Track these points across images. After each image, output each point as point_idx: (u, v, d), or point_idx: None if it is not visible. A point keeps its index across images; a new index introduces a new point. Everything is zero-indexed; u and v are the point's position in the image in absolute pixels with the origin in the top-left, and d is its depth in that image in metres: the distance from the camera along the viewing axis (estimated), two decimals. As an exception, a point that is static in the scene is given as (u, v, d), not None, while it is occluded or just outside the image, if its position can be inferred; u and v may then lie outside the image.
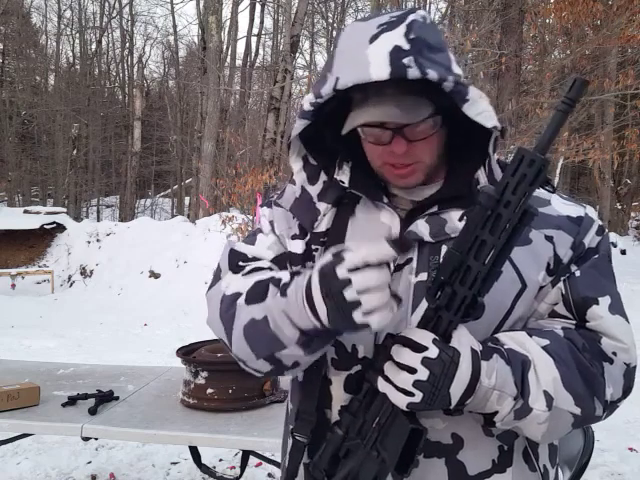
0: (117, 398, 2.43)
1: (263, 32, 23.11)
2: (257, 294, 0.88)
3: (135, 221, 12.16)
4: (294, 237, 1.00)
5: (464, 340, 0.80)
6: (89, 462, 3.30)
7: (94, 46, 25.38)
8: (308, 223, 0.99)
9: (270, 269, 0.98)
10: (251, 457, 2.34)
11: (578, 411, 0.83)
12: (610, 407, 0.87)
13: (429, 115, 0.85)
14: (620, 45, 9.43)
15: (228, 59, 19.64)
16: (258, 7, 21.09)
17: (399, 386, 0.77)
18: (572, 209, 0.93)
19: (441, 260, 0.88)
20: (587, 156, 7.77)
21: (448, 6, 12.25)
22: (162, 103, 26.15)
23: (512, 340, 0.85)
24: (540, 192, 0.86)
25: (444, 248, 0.88)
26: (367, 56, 0.82)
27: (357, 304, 0.74)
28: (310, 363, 0.90)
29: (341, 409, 0.89)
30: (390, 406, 0.80)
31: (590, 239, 0.91)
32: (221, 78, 14.71)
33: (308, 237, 0.99)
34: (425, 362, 0.76)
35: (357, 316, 0.74)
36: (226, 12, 19.29)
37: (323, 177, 0.99)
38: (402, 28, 0.83)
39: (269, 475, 3.15)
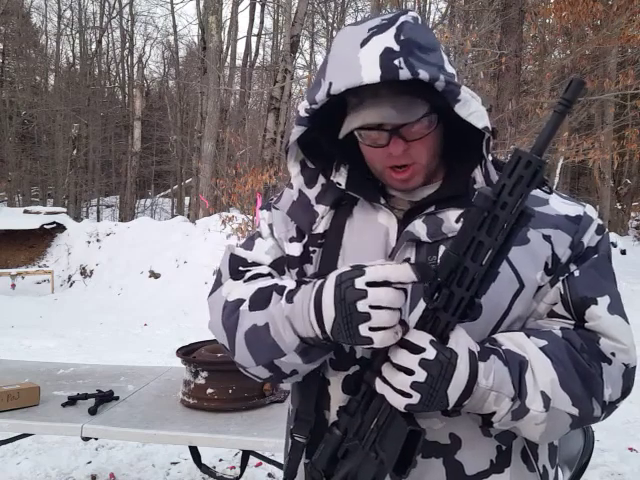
0: (117, 398, 2.43)
1: (263, 32, 23.14)
2: (260, 301, 0.90)
3: (135, 221, 12.16)
4: (292, 240, 1.00)
5: (461, 341, 0.80)
6: (89, 462, 3.30)
7: (94, 46, 25.42)
8: (306, 225, 0.99)
9: (270, 275, 0.99)
10: (251, 457, 2.34)
11: (576, 412, 0.83)
12: (609, 408, 0.87)
13: (424, 114, 0.86)
14: (620, 45, 9.44)
15: (228, 59, 19.67)
16: (258, 7, 21.12)
17: (397, 387, 0.78)
18: (571, 208, 0.92)
19: (439, 260, 0.88)
20: (587, 156, 7.77)
21: (448, 6, 12.24)
22: (162, 103, 26.15)
23: (510, 341, 0.85)
24: (538, 191, 0.87)
25: (442, 248, 0.89)
26: (358, 60, 0.82)
27: (367, 317, 0.75)
28: (309, 371, 0.92)
29: (339, 410, 0.89)
30: (388, 407, 0.80)
31: (589, 238, 0.91)
32: (221, 78, 14.71)
33: (305, 239, 0.99)
34: (422, 364, 0.76)
35: (363, 329, 0.76)
36: (226, 12, 19.33)
37: (321, 180, 0.99)
38: (392, 30, 0.84)
39: (269, 475, 3.15)
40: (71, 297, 9.83)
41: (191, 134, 20.17)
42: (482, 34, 8.55)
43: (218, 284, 1.03)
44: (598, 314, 0.87)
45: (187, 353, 2.48)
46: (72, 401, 2.36)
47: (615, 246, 12.05)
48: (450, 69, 0.87)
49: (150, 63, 36.44)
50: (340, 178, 0.97)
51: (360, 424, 0.84)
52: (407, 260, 0.90)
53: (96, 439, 2.45)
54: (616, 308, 0.88)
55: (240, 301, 0.93)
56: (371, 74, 0.81)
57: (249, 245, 1.05)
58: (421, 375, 0.76)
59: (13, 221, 11.78)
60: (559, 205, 0.93)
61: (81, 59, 25.10)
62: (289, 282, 0.91)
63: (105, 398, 2.39)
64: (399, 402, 0.78)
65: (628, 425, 3.91)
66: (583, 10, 7.92)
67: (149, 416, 2.25)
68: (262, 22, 22.33)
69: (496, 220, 0.75)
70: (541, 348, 0.84)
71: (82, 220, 15.05)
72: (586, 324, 0.88)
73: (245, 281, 0.98)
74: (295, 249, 0.99)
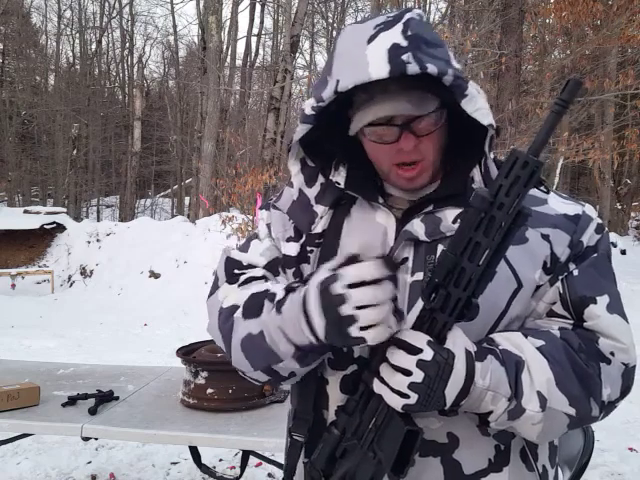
0: (117, 398, 2.43)
1: (263, 32, 23.14)
2: (253, 308, 0.91)
3: (135, 221, 12.16)
4: (289, 240, 1.01)
5: (458, 341, 0.80)
6: (89, 462, 3.30)
7: (94, 46, 25.42)
8: (305, 225, 0.99)
9: (264, 277, 1.00)
10: (251, 457, 2.34)
11: (573, 412, 0.83)
12: (607, 407, 0.87)
13: (436, 108, 0.86)
14: (620, 45, 9.44)
15: (228, 59, 19.67)
16: (258, 7, 21.12)
17: (394, 388, 0.78)
18: (570, 207, 0.92)
19: (437, 260, 0.88)
20: (587, 156, 7.77)
21: (448, 6, 12.25)
22: (162, 103, 26.15)
23: (507, 341, 0.85)
24: (537, 191, 0.87)
25: (440, 247, 0.89)
26: (366, 56, 0.82)
27: (353, 319, 0.75)
28: (306, 372, 0.92)
29: (337, 409, 0.89)
30: (386, 407, 0.80)
31: (589, 237, 0.91)
32: (221, 78, 14.71)
33: (303, 239, 0.99)
34: (420, 364, 0.77)
35: (353, 331, 0.76)
36: (226, 12, 19.33)
37: (321, 179, 0.99)
38: (399, 26, 0.84)
39: (269, 475, 3.15)
40: (71, 297, 9.83)
41: (191, 134, 20.17)
42: (482, 34, 8.55)
43: (215, 287, 1.04)
44: (597, 313, 0.87)
45: (187, 353, 2.48)
46: (72, 401, 2.36)
47: (615, 246, 12.05)
48: (456, 65, 0.87)
49: (150, 63, 36.48)
50: (339, 177, 0.97)
51: (358, 424, 0.84)
52: (405, 259, 0.90)
53: (96, 439, 2.45)
54: (615, 307, 0.88)
55: (234, 307, 0.94)
56: (379, 70, 0.81)
57: (245, 247, 1.06)
58: (418, 376, 0.76)
59: (13, 221, 11.79)
60: (558, 205, 0.93)
61: (81, 59, 25.10)
62: (280, 288, 0.91)
63: (105, 398, 2.39)
64: (397, 402, 0.78)
65: (628, 425, 3.91)
66: (583, 10, 7.92)
67: (149, 416, 2.25)
68: (262, 22, 22.35)
69: (493, 221, 0.75)
70: (538, 348, 0.84)
71: (82, 220, 15.05)
72: (585, 323, 0.88)
73: (240, 285, 0.99)
74: (292, 249, 1.00)
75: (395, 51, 0.81)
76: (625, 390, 0.88)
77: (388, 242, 0.92)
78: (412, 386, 0.76)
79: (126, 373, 2.84)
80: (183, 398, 2.37)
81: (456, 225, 0.89)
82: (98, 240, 10.94)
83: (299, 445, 0.95)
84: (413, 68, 0.80)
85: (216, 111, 13.35)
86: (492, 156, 0.92)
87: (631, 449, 3.54)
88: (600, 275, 0.89)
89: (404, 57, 0.81)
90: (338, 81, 0.85)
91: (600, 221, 0.94)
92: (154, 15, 50.26)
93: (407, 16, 0.86)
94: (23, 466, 3.23)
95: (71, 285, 10.49)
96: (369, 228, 0.95)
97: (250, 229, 7.67)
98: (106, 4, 24.26)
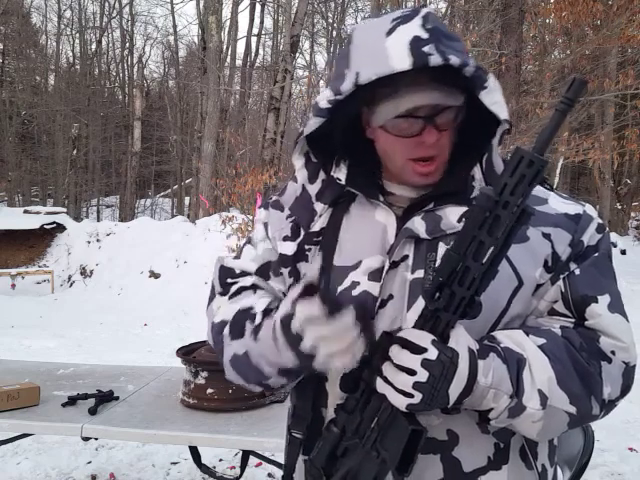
0: (117, 398, 2.43)
1: (263, 32, 23.15)
2: (237, 329, 0.95)
3: (135, 221, 12.16)
4: (285, 239, 1.01)
5: (462, 340, 0.80)
6: (89, 462, 3.30)
7: (94, 46, 25.42)
8: (305, 223, 1.00)
9: (254, 286, 1.03)
10: (251, 457, 2.34)
11: (573, 410, 0.83)
12: (608, 406, 0.87)
13: (464, 101, 0.87)
14: (620, 45, 9.43)
15: (228, 59, 19.67)
16: (258, 7, 21.12)
17: (399, 388, 0.77)
18: (570, 207, 0.92)
19: (438, 257, 0.88)
20: (587, 156, 7.77)
21: (448, 6, 12.25)
22: (162, 103, 26.15)
23: (508, 338, 0.85)
24: (538, 190, 0.87)
25: (441, 245, 0.89)
26: (386, 49, 0.83)
27: (315, 351, 0.80)
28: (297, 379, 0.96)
29: (337, 407, 0.89)
30: (389, 406, 0.80)
31: (589, 237, 0.91)
32: (221, 78, 14.71)
33: (300, 238, 1.00)
34: (425, 364, 0.76)
35: (318, 363, 0.81)
36: (226, 12, 19.31)
37: (322, 176, 0.99)
38: (418, 20, 0.85)
39: (269, 475, 3.15)
40: (71, 297, 9.83)
41: (191, 134, 20.17)
42: (482, 34, 8.55)
43: (212, 296, 1.08)
44: (598, 312, 0.87)
45: (187, 353, 2.48)
46: (72, 401, 2.36)
47: (615, 246, 12.04)
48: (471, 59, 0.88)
49: (150, 63, 36.44)
50: (340, 174, 0.97)
51: (359, 422, 0.84)
52: (406, 257, 0.90)
53: (96, 439, 2.45)
54: (616, 306, 0.88)
55: (223, 324, 0.98)
56: (402, 62, 0.81)
57: (238, 253, 1.09)
58: (423, 375, 0.76)
59: (13, 221, 11.78)
60: (558, 204, 0.93)
61: (81, 59, 25.10)
62: (261, 307, 0.95)
63: (105, 398, 2.39)
64: (401, 402, 0.78)
65: (628, 425, 3.91)
66: (583, 10, 7.92)
67: (149, 416, 2.25)
68: (262, 22, 22.35)
69: (498, 219, 0.75)
70: (539, 346, 0.84)
71: (82, 220, 15.05)
72: (586, 322, 0.88)
73: (230, 296, 1.03)
74: (288, 248, 1.00)
75: (416, 43, 0.82)
76: (625, 389, 0.88)
77: (388, 240, 0.92)
78: (416, 386, 0.76)
79: (126, 373, 2.84)
80: (183, 398, 2.37)
81: (456, 223, 0.89)
82: (98, 240, 10.94)
83: (298, 443, 0.95)
84: (436, 59, 0.81)
85: (216, 111, 13.35)
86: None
87: (631, 449, 3.53)
88: (601, 274, 0.90)
89: (426, 49, 0.81)
90: (358, 74, 0.84)
91: (600, 221, 0.94)
92: (154, 15, 50.30)
93: (424, 11, 0.87)
94: (23, 466, 3.23)
95: (71, 285, 10.48)
96: (368, 226, 0.95)
97: (250, 229, 7.67)
98: (106, 4, 24.28)
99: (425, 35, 0.83)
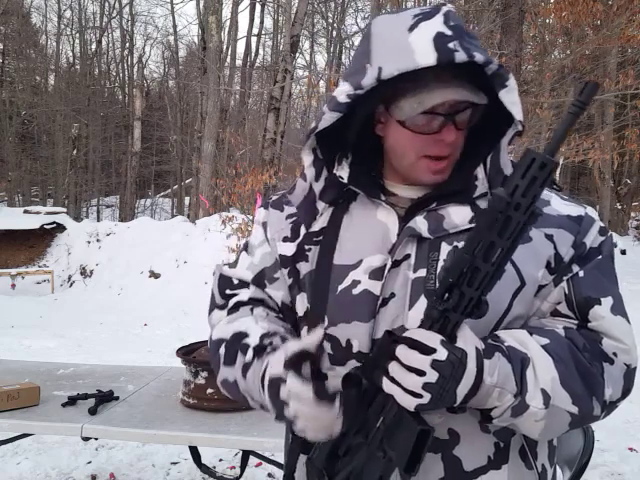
0: (117, 398, 2.43)
1: (263, 32, 23.16)
2: (230, 355, 0.97)
3: (135, 221, 12.16)
4: (285, 239, 1.01)
5: (469, 340, 0.80)
6: (89, 462, 3.30)
7: (94, 46, 25.42)
8: (308, 222, 1.00)
9: (251, 301, 1.04)
10: (251, 457, 2.34)
11: (575, 410, 0.83)
12: (609, 407, 0.87)
13: (487, 101, 0.87)
14: (620, 45, 9.43)
15: (228, 59, 19.66)
16: (258, 7, 21.13)
17: (408, 388, 0.77)
18: (573, 209, 0.93)
19: (440, 257, 0.88)
20: (587, 156, 7.77)
21: (448, 6, 12.22)
22: (162, 103, 26.15)
23: (512, 338, 0.85)
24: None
25: (443, 244, 0.89)
26: (410, 44, 0.83)
27: (295, 420, 0.83)
28: None
29: None
30: (395, 406, 0.80)
31: (592, 239, 0.91)
32: (221, 78, 14.71)
33: (300, 238, 1.00)
34: (435, 365, 0.76)
35: (295, 428, 0.84)
36: (226, 12, 19.32)
37: (325, 174, 0.99)
38: (440, 17, 0.85)
39: (269, 475, 3.15)
40: (71, 297, 9.83)
41: (191, 134, 20.17)
42: (482, 34, 8.55)
43: (213, 304, 1.09)
44: (601, 314, 0.87)
45: (187, 353, 2.48)
46: (72, 401, 2.36)
47: (615, 246, 12.02)
48: None
49: (150, 63, 36.44)
50: (342, 172, 0.97)
51: (363, 422, 0.84)
52: (408, 256, 0.90)
53: (96, 439, 2.45)
54: (619, 309, 0.89)
55: (220, 342, 1.00)
56: (427, 57, 0.81)
57: (235, 262, 1.10)
58: (432, 376, 0.76)
59: (13, 221, 11.78)
60: (560, 206, 0.93)
61: (81, 59, 25.10)
62: (254, 338, 0.96)
63: (105, 398, 2.39)
64: (409, 402, 0.77)
65: (628, 425, 3.92)
66: (583, 10, 7.91)
67: (149, 416, 2.25)
68: (262, 22, 22.36)
69: (509, 221, 0.74)
70: (543, 346, 0.84)
71: (82, 220, 15.05)
72: (589, 324, 0.88)
73: (228, 311, 1.04)
74: (288, 249, 1.00)
75: (441, 39, 0.82)
76: (626, 391, 0.88)
77: (390, 239, 0.92)
78: (426, 386, 0.76)
79: (126, 373, 2.84)
80: (183, 398, 2.37)
81: (460, 222, 0.90)
82: (98, 240, 10.94)
83: (299, 442, 0.95)
84: (461, 56, 0.81)
85: (216, 111, 13.35)
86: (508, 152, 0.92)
87: (631, 449, 3.54)
88: (605, 277, 0.90)
89: (451, 45, 0.81)
90: (381, 68, 0.84)
91: (602, 224, 0.94)
92: (154, 15, 50.32)
93: (445, 8, 0.87)
94: (23, 466, 3.23)
95: (71, 285, 10.48)
96: (369, 225, 0.95)
97: (250, 229, 7.67)
98: (106, 4, 24.28)
99: (449, 32, 0.83)
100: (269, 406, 0.88)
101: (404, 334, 0.80)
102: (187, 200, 21.37)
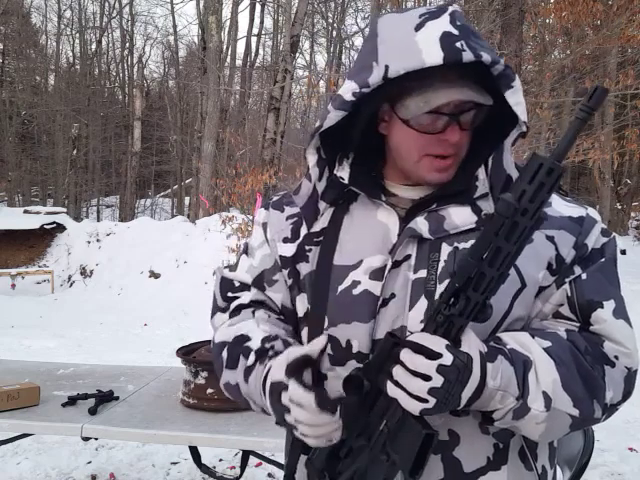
0: (117, 398, 2.43)
1: (263, 32, 23.16)
2: (232, 359, 0.98)
3: (135, 221, 12.16)
4: (285, 240, 1.01)
5: (473, 344, 0.80)
6: (89, 462, 3.30)
7: (94, 46, 25.42)
8: (310, 222, 1.00)
9: (252, 303, 1.04)
10: (251, 457, 2.34)
11: (576, 413, 0.83)
12: (609, 410, 0.87)
13: (492, 101, 0.87)
14: (620, 45, 9.43)
15: (228, 59, 19.66)
16: (258, 7, 21.13)
17: (413, 393, 0.77)
18: (574, 210, 0.92)
19: (441, 257, 0.88)
20: (587, 156, 7.76)
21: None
22: (162, 103, 26.14)
23: (514, 340, 0.85)
24: None
25: (444, 245, 0.89)
26: (416, 43, 0.83)
27: (295, 428, 0.84)
28: None
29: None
30: (399, 410, 0.79)
31: (594, 240, 0.91)
32: (221, 78, 14.71)
33: (300, 239, 1.00)
34: (440, 370, 0.76)
35: (297, 433, 0.84)
36: (226, 12, 19.31)
37: (327, 174, 0.99)
38: (446, 17, 0.85)
39: (269, 475, 3.15)
40: (71, 297, 9.83)
41: (191, 134, 20.17)
42: (482, 34, 8.54)
43: (215, 307, 1.09)
44: (604, 317, 0.87)
45: (187, 353, 2.48)
46: (72, 401, 2.36)
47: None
48: None
49: (150, 63, 36.42)
50: (343, 172, 0.97)
51: (365, 424, 0.84)
52: (408, 257, 0.90)
53: (96, 439, 2.45)
54: (621, 312, 0.88)
55: (223, 345, 1.01)
56: (433, 56, 0.81)
57: (235, 265, 1.10)
58: (438, 381, 0.75)
59: (13, 221, 11.78)
60: (561, 207, 0.93)
61: (81, 59, 25.10)
62: (256, 341, 0.96)
63: (105, 398, 2.39)
64: (414, 407, 0.77)
65: (628, 425, 3.92)
66: (583, 10, 7.91)
67: (149, 416, 2.25)
68: (262, 22, 22.36)
69: (516, 226, 0.74)
70: (545, 349, 0.84)
71: (82, 220, 15.05)
72: (591, 327, 0.88)
73: (230, 314, 1.04)
74: (288, 250, 1.00)
75: (448, 39, 0.82)
76: (627, 394, 0.88)
77: (390, 239, 0.92)
78: (432, 391, 0.76)
79: (126, 373, 2.84)
80: (183, 398, 2.37)
81: (461, 223, 0.90)
82: (98, 240, 10.94)
83: (300, 443, 0.95)
84: (468, 56, 0.81)
85: (216, 111, 13.35)
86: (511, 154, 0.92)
87: (631, 449, 3.54)
88: (607, 280, 0.90)
89: (457, 45, 0.82)
90: (387, 67, 0.84)
91: (604, 225, 0.94)
92: (154, 15, 50.31)
93: (451, 8, 0.87)
94: (23, 466, 3.23)
95: (71, 285, 10.48)
96: (370, 225, 0.95)
97: (250, 229, 7.67)
98: (106, 4, 24.28)
99: (455, 31, 0.83)
100: (270, 410, 0.89)
101: (408, 338, 0.80)
102: (187, 200, 21.37)
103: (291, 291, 1.01)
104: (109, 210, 25.47)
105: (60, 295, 10.05)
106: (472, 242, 0.79)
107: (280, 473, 2.86)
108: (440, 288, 0.86)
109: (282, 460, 1.02)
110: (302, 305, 0.98)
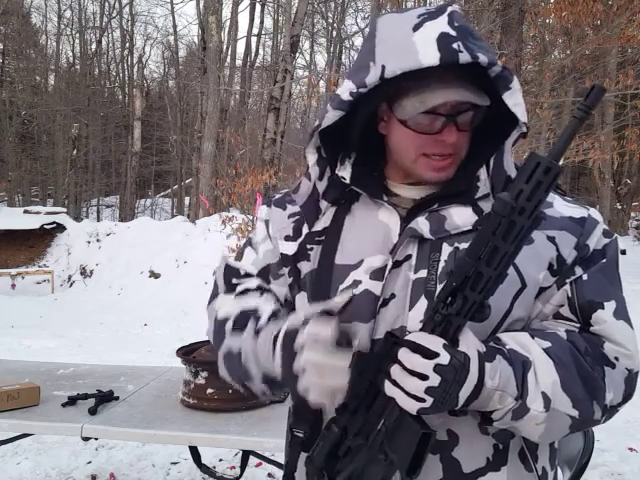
0: (117, 398, 2.43)
1: (263, 32, 23.15)
2: (239, 324, 0.96)
3: (135, 221, 12.16)
4: (287, 238, 1.01)
5: (471, 343, 0.80)
6: (89, 462, 3.30)
7: (94, 46, 25.42)
8: (311, 221, 1.00)
9: (259, 288, 1.03)
10: (251, 457, 2.34)
11: (576, 414, 0.83)
12: (609, 411, 0.87)
13: (490, 102, 0.86)
14: (620, 45, 9.42)
15: (228, 59, 19.66)
16: (258, 7, 21.13)
17: (410, 392, 0.77)
18: (575, 211, 0.92)
19: (441, 258, 0.88)
20: (587, 156, 7.76)
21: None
22: (162, 103, 26.14)
23: (514, 340, 0.85)
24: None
25: (444, 245, 0.89)
26: (414, 43, 0.83)
27: (302, 374, 0.81)
28: (279, 392, 0.98)
29: (339, 407, 0.89)
30: (397, 409, 0.80)
31: (596, 241, 0.90)
32: (221, 78, 14.71)
33: (302, 237, 1.00)
34: (437, 369, 0.76)
35: (299, 385, 0.82)
36: (226, 12, 19.31)
37: (328, 173, 0.99)
38: (444, 17, 0.85)
39: (269, 475, 3.15)
40: (71, 297, 9.83)
41: (191, 134, 20.17)
42: (482, 34, 8.55)
43: (214, 295, 1.07)
44: (604, 318, 0.87)
45: (187, 353, 2.48)
46: (72, 401, 2.36)
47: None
48: None
49: (150, 63, 36.42)
50: (345, 172, 0.97)
51: (363, 423, 0.84)
52: (409, 257, 0.90)
53: (96, 439, 2.45)
54: (622, 314, 0.88)
55: (226, 320, 0.99)
56: (430, 57, 0.81)
57: (239, 256, 1.09)
58: (435, 380, 0.76)
59: (13, 221, 11.78)
60: (563, 208, 0.92)
61: (81, 59, 25.10)
62: (267, 310, 0.95)
63: (105, 398, 2.39)
64: (411, 406, 0.77)
65: (628, 425, 3.92)
66: (583, 10, 7.91)
67: (149, 416, 2.25)
68: (262, 22, 22.36)
69: (513, 225, 0.74)
70: (545, 349, 0.84)
71: (82, 220, 15.05)
72: (591, 328, 0.88)
73: (236, 295, 1.03)
74: (289, 248, 1.00)
75: (445, 39, 0.82)
76: (627, 396, 0.88)
77: (391, 239, 0.92)
78: (429, 390, 0.76)
79: (126, 373, 2.84)
80: (183, 398, 2.37)
81: (462, 223, 0.90)
82: (98, 240, 10.94)
83: (299, 441, 0.95)
84: (464, 57, 0.81)
85: (216, 111, 13.35)
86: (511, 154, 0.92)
87: (631, 449, 3.54)
88: (608, 281, 0.90)
89: (454, 46, 0.81)
90: (384, 67, 0.84)
91: (606, 227, 0.93)
92: (154, 15, 50.30)
93: (450, 9, 0.87)
94: (23, 466, 3.23)
95: (71, 285, 10.48)
96: (371, 225, 0.95)
97: (250, 229, 7.67)
98: (106, 4, 24.28)
99: (453, 32, 0.83)
100: (277, 362, 0.86)
101: (406, 337, 0.80)
102: (187, 200, 21.37)
103: (291, 290, 1.01)
104: (109, 210, 25.47)
105: (60, 295, 10.05)
106: None
107: (280, 473, 2.86)
108: (440, 288, 0.86)
109: (282, 460, 1.01)
110: (302, 304, 0.98)
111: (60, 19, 24.85)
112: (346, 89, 0.89)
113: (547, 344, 0.84)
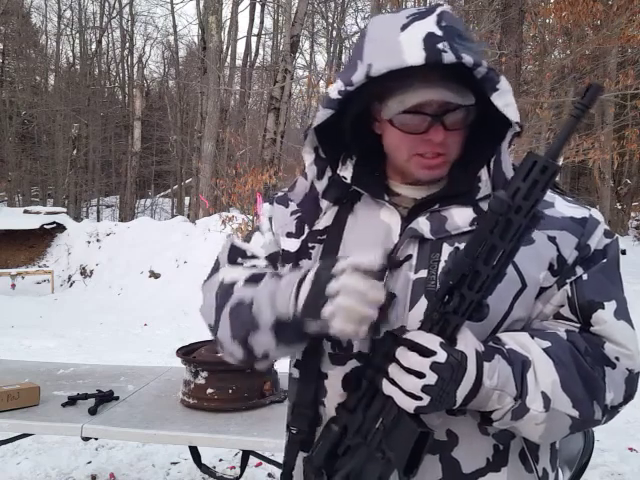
0: (117, 398, 2.43)
1: (263, 32, 23.16)
2: (254, 279, 0.92)
3: (135, 221, 12.16)
4: (289, 235, 1.01)
5: (469, 342, 0.80)
6: (89, 462, 3.30)
7: (94, 46, 25.42)
8: (311, 220, 1.00)
9: (267, 268, 1.01)
10: (251, 457, 2.34)
11: (576, 414, 0.83)
12: (610, 412, 0.86)
13: (474, 102, 0.86)
14: (620, 45, 9.43)
15: (228, 59, 19.66)
16: (258, 7, 21.13)
17: (407, 390, 0.77)
18: (576, 211, 0.92)
19: (442, 258, 0.88)
20: (587, 156, 7.76)
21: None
22: (162, 103, 26.14)
23: (513, 340, 0.85)
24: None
25: (445, 245, 0.89)
26: (399, 43, 0.83)
27: (332, 299, 0.77)
28: (279, 358, 0.93)
29: (338, 406, 0.88)
30: (395, 407, 0.80)
31: (597, 241, 0.90)
32: (221, 78, 14.71)
33: (304, 235, 1.00)
34: (434, 367, 0.76)
35: (325, 310, 0.78)
36: (226, 12, 19.31)
37: (329, 173, 0.99)
38: (433, 17, 0.85)
39: (269, 475, 3.15)
40: (71, 297, 9.83)
41: (191, 134, 20.17)
42: (482, 34, 8.55)
43: (215, 271, 1.04)
44: (604, 319, 0.87)
45: (187, 353, 2.48)
46: (72, 401, 2.36)
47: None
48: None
49: (150, 63, 36.42)
50: (346, 172, 0.97)
51: (362, 422, 0.84)
52: (409, 257, 0.90)
53: (96, 439, 2.45)
54: (622, 314, 0.88)
55: (234, 282, 0.95)
56: (415, 56, 0.81)
57: (247, 238, 1.07)
58: (432, 378, 0.76)
59: (13, 221, 11.78)
60: (564, 208, 0.92)
61: (81, 59, 25.10)
62: (286, 269, 0.94)
63: (105, 398, 2.39)
64: (409, 404, 0.77)
65: (628, 425, 3.91)
66: (583, 10, 7.91)
67: (149, 416, 2.25)
68: (262, 22, 22.36)
69: (510, 224, 0.74)
70: (544, 349, 0.84)
71: (82, 220, 15.05)
72: (592, 328, 0.88)
73: (244, 268, 1.00)
74: (291, 245, 1.00)
75: (431, 39, 0.82)
76: (628, 396, 0.88)
77: (392, 239, 0.92)
78: (425, 388, 0.76)
79: (126, 373, 2.84)
80: (183, 398, 2.37)
81: (462, 223, 0.89)
82: (98, 240, 10.94)
83: (298, 440, 0.94)
84: (449, 57, 0.81)
85: (216, 111, 13.35)
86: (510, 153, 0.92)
87: (631, 449, 3.54)
88: (609, 280, 0.89)
89: (440, 45, 0.81)
90: (370, 65, 0.84)
91: (607, 227, 0.93)
92: (154, 15, 50.28)
93: (440, 9, 0.87)
94: (23, 466, 3.23)
95: (71, 285, 10.48)
96: (372, 225, 0.95)
97: (250, 229, 7.67)
98: (106, 4, 24.28)
99: (439, 32, 0.83)
100: (302, 297, 0.82)
101: (404, 336, 0.80)
102: (187, 200, 21.37)
103: None
104: (109, 210, 25.47)
105: (60, 295, 10.05)
106: None
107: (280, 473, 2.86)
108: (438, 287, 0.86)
109: (282, 459, 1.01)
110: None
111: (60, 19, 24.88)
112: (335, 88, 0.89)
113: (547, 344, 0.84)
